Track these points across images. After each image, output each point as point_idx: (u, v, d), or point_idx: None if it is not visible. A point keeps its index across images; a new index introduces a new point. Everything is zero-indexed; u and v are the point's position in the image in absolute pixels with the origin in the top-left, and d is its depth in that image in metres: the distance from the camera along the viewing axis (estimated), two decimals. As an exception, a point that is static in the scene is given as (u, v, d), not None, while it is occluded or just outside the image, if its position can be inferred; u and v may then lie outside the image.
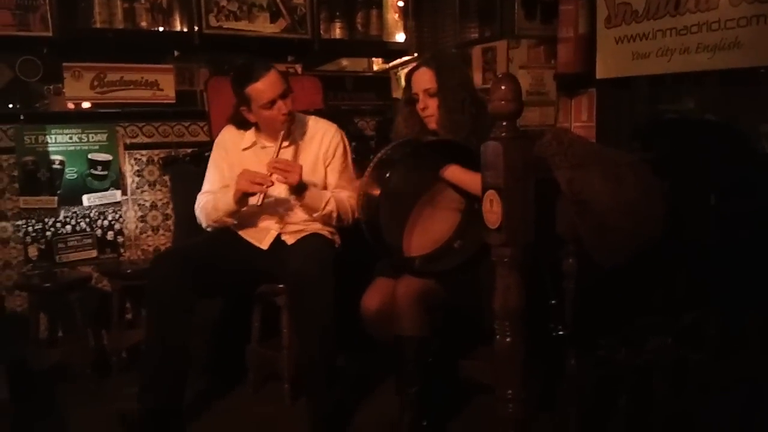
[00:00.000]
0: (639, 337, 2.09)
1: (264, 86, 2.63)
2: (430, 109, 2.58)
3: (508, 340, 1.76)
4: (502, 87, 1.69)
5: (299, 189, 2.66)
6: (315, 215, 2.75)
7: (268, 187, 2.57)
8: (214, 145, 2.94)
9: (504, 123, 1.70)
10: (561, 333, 2.14)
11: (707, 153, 2.42)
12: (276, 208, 2.80)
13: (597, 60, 3.07)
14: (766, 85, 2.56)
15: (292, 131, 2.80)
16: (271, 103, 2.65)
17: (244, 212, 2.76)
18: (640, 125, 2.99)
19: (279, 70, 2.72)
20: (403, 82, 2.82)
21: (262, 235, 2.80)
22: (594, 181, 2.09)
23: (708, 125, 2.74)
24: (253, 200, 2.63)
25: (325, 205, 2.73)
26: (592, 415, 2.20)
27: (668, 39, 2.76)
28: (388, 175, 2.37)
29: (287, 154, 2.78)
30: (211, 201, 2.76)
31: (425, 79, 2.59)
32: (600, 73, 3.06)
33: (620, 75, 3.00)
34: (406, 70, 4.28)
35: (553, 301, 2.19)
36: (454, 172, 2.45)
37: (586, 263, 2.10)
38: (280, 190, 2.74)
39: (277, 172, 2.58)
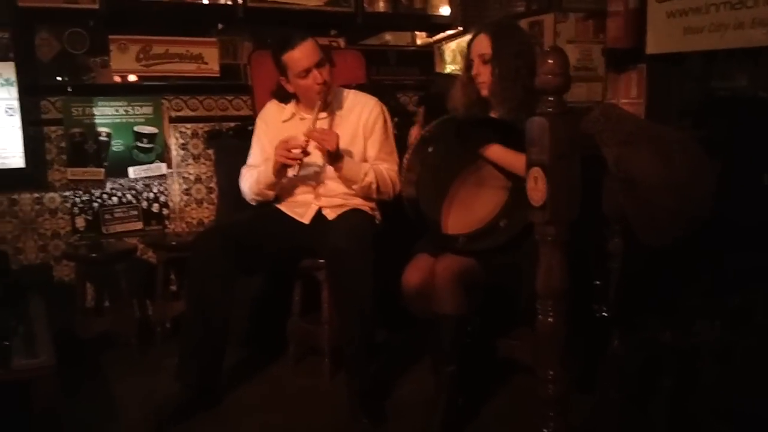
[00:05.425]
0: (685, 319, 2.05)
1: (300, 54, 2.65)
2: (482, 75, 2.53)
3: (550, 320, 1.72)
4: (549, 60, 1.63)
5: (335, 157, 2.64)
6: (354, 187, 2.75)
7: (304, 156, 2.58)
8: (257, 119, 2.97)
9: (550, 98, 1.66)
10: (605, 315, 2.10)
11: (760, 132, 2.34)
12: (314, 180, 2.81)
13: (647, 35, 2.97)
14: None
15: (330, 103, 2.80)
16: (307, 72, 2.66)
17: (284, 186, 2.78)
18: (692, 103, 2.91)
19: (317, 40, 2.72)
20: (446, 57, 2.77)
21: (303, 209, 2.80)
22: (642, 159, 2.03)
23: (761, 103, 2.65)
24: (291, 171, 2.64)
25: (364, 176, 2.72)
26: (634, 397, 2.16)
27: (722, 13, 2.66)
28: (430, 150, 2.35)
29: (324, 125, 2.78)
30: (254, 175, 2.79)
31: (481, 44, 2.53)
32: (650, 48, 2.97)
33: (671, 50, 2.91)
34: (451, 44, 4.27)
35: (597, 282, 2.15)
36: (495, 152, 2.40)
37: (632, 243, 2.05)
38: (318, 161, 2.74)
39: (314, 138, 2.58)
